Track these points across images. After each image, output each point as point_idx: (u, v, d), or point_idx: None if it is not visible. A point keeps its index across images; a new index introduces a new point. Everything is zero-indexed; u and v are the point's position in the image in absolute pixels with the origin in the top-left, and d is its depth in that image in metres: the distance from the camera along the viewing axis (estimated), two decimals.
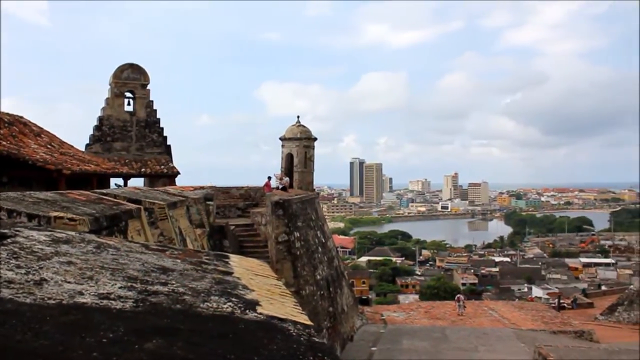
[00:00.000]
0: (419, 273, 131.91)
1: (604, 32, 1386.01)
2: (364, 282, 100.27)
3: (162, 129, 33.10)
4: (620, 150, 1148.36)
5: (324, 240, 28.64)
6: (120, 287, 2.60)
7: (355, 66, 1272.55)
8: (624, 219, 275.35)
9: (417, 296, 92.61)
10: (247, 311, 2.39)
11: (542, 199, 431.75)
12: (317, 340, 2.09)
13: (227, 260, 3.96)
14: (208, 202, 23.39)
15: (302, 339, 2.06)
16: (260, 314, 2.38)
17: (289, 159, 33.43)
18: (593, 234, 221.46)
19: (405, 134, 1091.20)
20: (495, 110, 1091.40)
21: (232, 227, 25.27)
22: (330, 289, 26.03)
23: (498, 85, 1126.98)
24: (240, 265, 3.75)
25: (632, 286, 45.14)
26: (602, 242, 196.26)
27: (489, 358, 22.39)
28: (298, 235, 23.84)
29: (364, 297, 78.15)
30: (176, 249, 4.56)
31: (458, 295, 33.80)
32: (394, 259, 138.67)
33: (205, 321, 2.21)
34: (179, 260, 3.61)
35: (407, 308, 34.08)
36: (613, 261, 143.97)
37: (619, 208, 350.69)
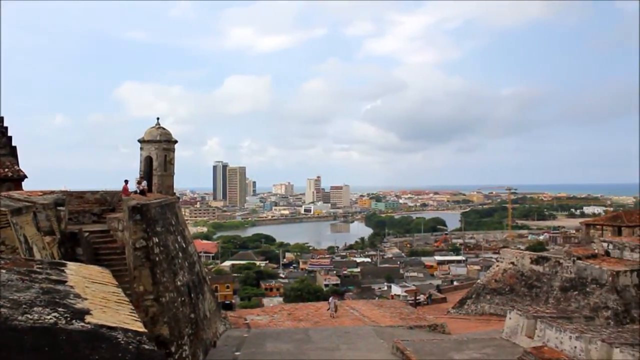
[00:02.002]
0: (283, 276, 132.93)
1: (457, 45, 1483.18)
2: (228, 287, 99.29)
3: (7, 128, 30.60)
4: (471, 155, 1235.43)
5: (184, 246, 27.90)
6: None
7: (219, 69, 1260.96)
8: (473, 219, 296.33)
9: (281, 299, 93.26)
10: (74, 321, 2.19)
11: (400, 201, 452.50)
12: (147, 347, 1.94)
13: (62, 268, 3.65)
14: (59, 208, 21.93)
15: (130, 347, 1.91)
16: (88, 323, 2.19)
17: (148, 162, 32.25)
18: (446, 234, 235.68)
19: (269, 138, 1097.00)
20: (356, 116, 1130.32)
21: (87, 234, 23.90)
22: (192, 295, 25.42)
23: (359, 92, 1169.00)
24: (78, 273, 3.48)
25: (479, 281, 48.48)
26: (454, 240, 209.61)
27: (350, 355, 22.95)
28: (157, 240, 23.02)
29: (227, 302, 77.34)
30: (3, 258, 4.15)
31: (331, 297, 34.31)
32: (258, 263, 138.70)
33: (20, 334, 1.98)
34: (3, 271, 3.27)
35: (270, 311, 34.12)
36: (464, 258, 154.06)
37: (468, 209, 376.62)
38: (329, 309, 32.44)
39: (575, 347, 20.11)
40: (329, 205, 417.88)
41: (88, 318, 2.27)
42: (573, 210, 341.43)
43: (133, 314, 2.51)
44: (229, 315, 32.50)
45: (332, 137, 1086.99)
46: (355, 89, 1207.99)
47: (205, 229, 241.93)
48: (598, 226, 60.45)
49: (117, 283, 3.76)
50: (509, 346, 23.39)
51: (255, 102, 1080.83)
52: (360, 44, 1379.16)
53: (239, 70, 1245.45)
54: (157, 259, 22.32)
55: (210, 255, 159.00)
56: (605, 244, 41.87)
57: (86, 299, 2.66)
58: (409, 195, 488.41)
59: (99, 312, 2.43)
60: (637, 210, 71.24)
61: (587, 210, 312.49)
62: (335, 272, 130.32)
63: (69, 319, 2.23)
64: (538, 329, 22.74)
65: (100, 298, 2.79)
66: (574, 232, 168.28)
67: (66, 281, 3.12)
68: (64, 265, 3.83)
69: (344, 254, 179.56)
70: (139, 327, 2.23)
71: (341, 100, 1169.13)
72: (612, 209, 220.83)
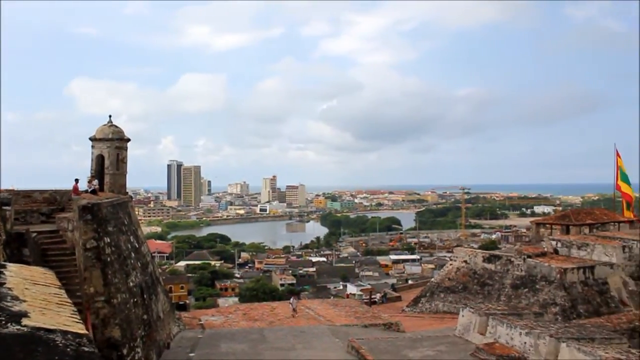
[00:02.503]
0: (239, 275, 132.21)
1: (413, 46, 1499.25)
2: (182, 287, 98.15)
3: None
4: (425, 155, 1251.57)
5: (137, 246, 27.40)
6: None
7: (175, 67, 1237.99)
8: (427, 218, 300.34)
9: (237, 299, 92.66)
10: (9, 324, 2.09)
11: (356, 200, 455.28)
12: (86, 350, 1.87)
13: (1, 270, 3.50)
14: (4, 207, 21.21)
15: (68, 349, 1.83)
16: (25, 326, 2.09)
17: (99, 161, 31.53)
18: (401, 233, 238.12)
19: (224, 137, 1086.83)
20: (312, 116, 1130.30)
21: (34, 234, 23.19)
22: (145, 296, 24.98)
23: (315, 92, 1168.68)
24: (18, 275, 3.34)
25: (432, 279, 49.14)
26: (409, 239, 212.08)
27: (305, 355, 22.94)
28: (108, 240, 22.53)
29: (181, 303, 76.60)
30: None
31: (292, 298, 34.02)
32: (212, 263, 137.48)
33: None
34: None
35: (225, 311, 33.82)
36: (418, 257, 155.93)
37: (423, 208, 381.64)
38: (294, 309, 32.15)
39: (525, 343, 20.58)
40: (285, 204, 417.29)
41: (25, 321, 2.17)
42: (524, 209, 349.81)
43: (75, 316, 2.42)
44: (183, 316, 32.10)
45: (288, 136, 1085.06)
46: (311, 88, 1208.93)
47: (159, 229, 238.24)
48: (547, 225, 61.92)
49: (60, 284, 3.64)
50: (462, 343, 23.76)
51: (211, 101, 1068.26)
52: (316, 44, 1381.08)
53: (195, 68, 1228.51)
54: (108, 259, 21.85)
55: (165, 255, 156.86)
56: (554, 242, 43.05)
57: (25, 301, 2.55)
58: (365, 195, 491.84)
59: (37, 314, 2.33)
60: (584, 210, 73.37)
61: (538, 209, 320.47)
62: (290, 271, 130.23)
63: (3, 322, 2.13)
64: (490, 326, 23.17)
65: (40, 300, 2.69)
66: (525, 231, 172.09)
67: (4, 283, 3.00)
68: (4, 267, 3.68)
69: (299, 253, 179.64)
70: (80, 329, 2.15)
71: (297, 99, 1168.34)
72: (561, 208, 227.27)
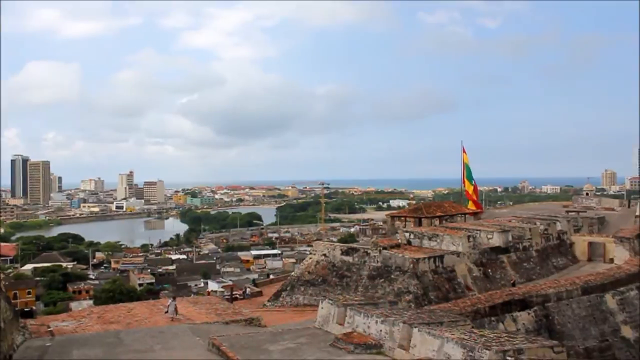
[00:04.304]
0: (93, 277, 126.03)
1: (274, 42, 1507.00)
2: (29, 293, 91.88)
3: None
4: (286, 151, 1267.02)
5: None
6: None
7: (19, 53, 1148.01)
8: (288, 213, 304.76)
9: (91, 301, 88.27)
10: None
11: (216, 196, 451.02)
12: None
13: None
14: None
15: None
16: None
17: None
18: (262, 228, 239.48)
19: (76, 130, 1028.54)
20: (171, 109, 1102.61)
21: None
22: None
23: (175, 85, 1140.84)
24: None
25: (293, 273, 49.85)
26: (270, 234, 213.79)
27: (165, 355, 22.29)
28: None
29: (27, 309, 71.71)
30: None
31: (170, 299, 32.07)
32: (64, 264, 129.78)
33: None
34: None
35: (78, 315, 31.87)
36: (279, 252, 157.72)
37: (283, 203, 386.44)
38: (166, 312, 30.41)
39: (381, 330, 21.48)
40: (143, 201, 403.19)
41: None
42: (381, 203, 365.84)
43: None
44: (29, 324, 29.85)
45: (146, 130, 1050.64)
46: (171, 81, 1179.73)
47: (1, 230, 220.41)
48: (402, 218, 65.30)
49: None
50: (322, 334, 24.28)
51: (61, 91, 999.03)
52: (176, 36, 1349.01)
53: (43, 55, 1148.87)
54: None
55: (8, 258, 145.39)
56: (407, 234, 45.36)
57: None
58: (225, 191, 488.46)
59: None
60: (435, 203, 78.24)
61: (393, 203, 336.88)
62: (149, 270, 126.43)
63: None
64: (348, 316, 23.90)
65: None
66: (381, 223, 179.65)
67: None
68: None
69: (158, 251, 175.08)
70: None
71: (156, 92, 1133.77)
72: (414, 201, 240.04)
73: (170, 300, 30.85)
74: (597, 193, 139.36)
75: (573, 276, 41.32)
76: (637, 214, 66.83)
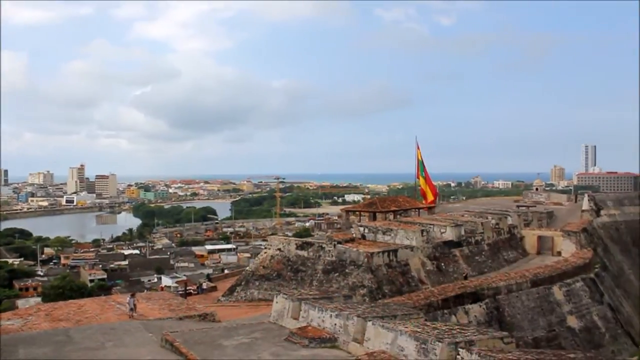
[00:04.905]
0: (42, 273, 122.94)
1: (230, 35, 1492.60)
2: None
3: None
4: (241, 145, 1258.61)
5: None
6: None
7: None
8: (242, 208, 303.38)
9: (39, 299, 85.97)
10: None
11: (170, 190, 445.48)
12: None
13: None
14: None
15: None
16: None
17: None
18: (217, 223, 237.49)
19: (24, 121, 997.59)
20: (124, 102, 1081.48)
21: None
22: None
23: (129, 77, 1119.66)
24: None
25: (247, 268, 49.64)
26: (225, 229, 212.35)
27: (116, 353, 21.91)
28: None
29: None
30: None
31: (129, 297, 31.09)
32: (10, 261, 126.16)
33: None
34: None
35: (24, 313, 30.96)
36: (234, 246, 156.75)
37: (238, 198, 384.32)
38: (131, 309, 29.63)
39: (336, 324, 21.61)
40: (94, 195, 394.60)
41: None
42: (336, 198, 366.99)
43: None
44: None
45: (98, 123, 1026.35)
46: (125, 73, 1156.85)
47: None
48: (356, 212, 65.74)
49: None
50: (277, 329, 24.27)
51: (7, 81, 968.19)
52: (130, 27, 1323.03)
53: None
54: None
55: None
56: (361, 229, 45.66)
57: None
58: (179, 185, 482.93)
59: None
60: (389, 197, 79.00)
61: (348, 197, 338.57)
62: (101, 266, 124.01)
63: None
64: (302, 310, 23.95)
65: None
66: (336, 218, 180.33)
67: None
68: None
69: (110, 246, 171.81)
70: None
71: (108, 84, 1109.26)
72: (369, 196, 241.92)
73: (129, 298, 30.14)
74: (547, 188, 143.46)
75: (523, 269, 42.45)
76: (584, 208, 68.92)
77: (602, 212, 70.08)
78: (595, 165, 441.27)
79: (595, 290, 42.26)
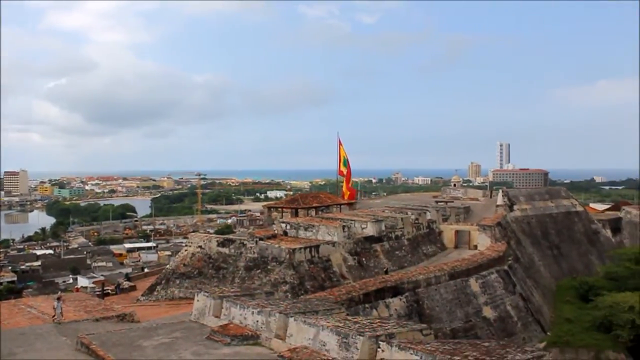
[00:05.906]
0: None
1: (148, 28, 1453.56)
2: None
3: None
4: (161, 140, 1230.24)
5: None
6: None
7: None
8: (163, 205, 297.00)
9: None
10: None
11: (87, 187, 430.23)
12: None
13: None
14: None
15: None
16: None
17: None
18: (136, 220, 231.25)
19: None
20: (36, 94, 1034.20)
21: None
22: None
23: (41, 68, 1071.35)
24: None
25: (167, 266, 48.66)
26: (145, 227, 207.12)
27: (28, 359, 20.97)
28: None
29: None
30: None
31: (56, 301, 28.76)
32: None
33: None
34: None
35: None
36: (154, 244, 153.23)
37: (159, 194, 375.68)
38: (60, 313, 27.83)
39: (258, 321, 21.55)
40: (3, 193, 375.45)
41: None
42: (258, 194, 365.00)
43: None
44: None
45: (7, 116, 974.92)
46: (37, 64, 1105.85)
47: None
48: (278, 209, 65.75)
49: None
50: (198, 327, 23.97)
51: None
52: (42, 15, 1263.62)
53: None
54: None
55: None
56: (283, 225, 45.71)
57: None
58: (96, 181, 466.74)
59: None
60: (311, 194, 79.51)
61: (271, 194, 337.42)
62: (10, 267, 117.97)
63: None
64: (224, 308, 23.75)
65: None
66: (258, 214, 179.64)
67: None
68: None
69: (21, 247, 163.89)
70: None
71: (18, 75, 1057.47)
72: (291, 192, 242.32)
73: (56, 302, 28.21)
74: (464, 184, 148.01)
75: (441, 263, 43.75)
76: (498, 203, 71.84)
77: (515, 207, 73.24)
78: (509, 162, 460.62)
79: (508, 281, 44.13)
